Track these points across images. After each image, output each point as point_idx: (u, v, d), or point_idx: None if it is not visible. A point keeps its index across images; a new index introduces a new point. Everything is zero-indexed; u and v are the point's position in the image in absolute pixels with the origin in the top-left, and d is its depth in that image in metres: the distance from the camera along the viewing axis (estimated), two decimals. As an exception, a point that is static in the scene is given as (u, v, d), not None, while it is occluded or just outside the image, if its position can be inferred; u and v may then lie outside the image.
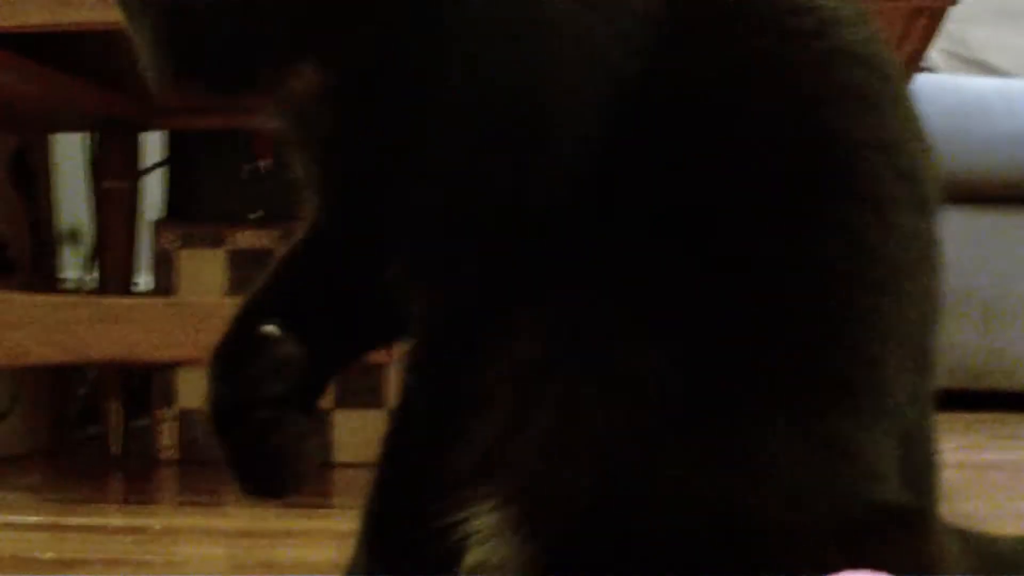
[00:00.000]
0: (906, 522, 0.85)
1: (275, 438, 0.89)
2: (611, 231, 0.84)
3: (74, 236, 2.71)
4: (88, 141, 2.39)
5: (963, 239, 3.34)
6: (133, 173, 2.25)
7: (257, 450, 0.89)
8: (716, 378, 0.82)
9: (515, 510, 0.85)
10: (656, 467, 0.82)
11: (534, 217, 0.84)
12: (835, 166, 0.85)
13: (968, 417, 3.03)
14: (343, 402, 2.10)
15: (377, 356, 0.98)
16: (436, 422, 0.87)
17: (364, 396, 2.09)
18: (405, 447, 0.88)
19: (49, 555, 1.28)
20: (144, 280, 2.46)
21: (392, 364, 1.20)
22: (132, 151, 2.26)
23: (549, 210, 0.84)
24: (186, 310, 1.72)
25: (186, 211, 2.31)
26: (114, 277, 2.20)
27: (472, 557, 0.88)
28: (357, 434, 2.09)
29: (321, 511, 1.53)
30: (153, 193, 2.44)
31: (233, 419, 0.89)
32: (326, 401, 2.07)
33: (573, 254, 0.84)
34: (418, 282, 0.87)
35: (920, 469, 0.89)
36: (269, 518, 1.56)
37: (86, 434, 2.45)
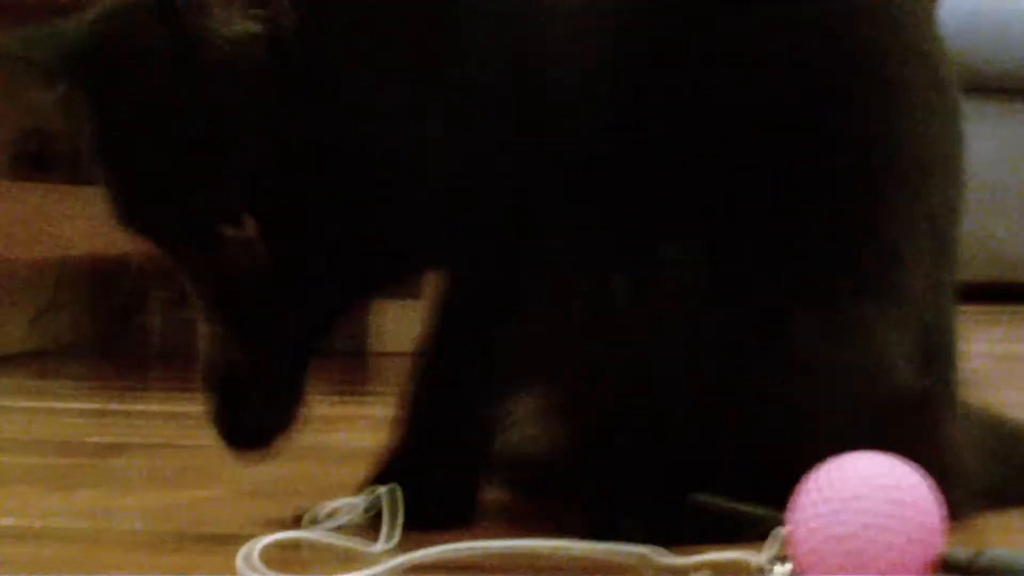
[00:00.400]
0: (921, 406, 0.88)
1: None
2: (642, 127, 0.85)
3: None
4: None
5: (1001, 135, 3.33)
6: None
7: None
8: (743, 268, 0.85)
9: (553, 394, 0.88)
10: (687, 353, 0.85)
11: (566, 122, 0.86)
12: (861, 69, 0.88)
13: (1006, 309, 3.03)
14: (382, 293, 2.12)
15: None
16: (478, 316, 0.89)
17: (402, 287, 2.11)
18: (448, 340, 0.90)
19: (94, 439, 1.31)
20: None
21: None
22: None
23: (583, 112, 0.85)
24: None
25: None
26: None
27: (511, 438, 0.90)
28: (395, 324, 2.11)
29: (360, 397, 1.54)
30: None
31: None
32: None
33: (604, 153, 0.85)
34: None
35: (937, 355, 0.91)
36: (316, 405, 1.58)
37: (130, 326, 2.48)
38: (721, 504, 0.78)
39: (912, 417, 0.88)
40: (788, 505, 0.69)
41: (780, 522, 0.69)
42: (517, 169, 0.85)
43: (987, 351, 2.23)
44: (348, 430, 1.37)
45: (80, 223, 1.74)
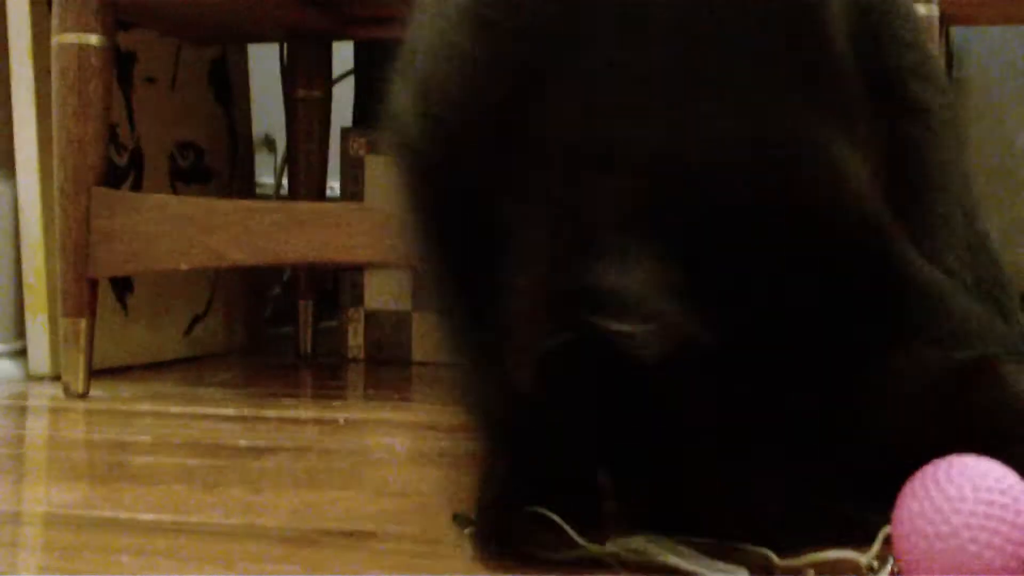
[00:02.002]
0: (991, 371, 0.87)
1: None
2: None
3: (269, 144, 2.78)
4: (283, 51, 2.45)
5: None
6: (324, 82, 2.30)
7: None
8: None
9: None
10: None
11: None
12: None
13: None
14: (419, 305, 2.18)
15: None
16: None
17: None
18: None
19: (243, 442, 1.35)
20: (335, 186, 2.53)
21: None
22: (323, 60, 2.31)
23: None
24: (373, 214, 1.77)
25: (374, 118, 2.36)
26: (306, 183, 2.26)
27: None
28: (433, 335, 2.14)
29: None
30: (343, 102, 2.50)
31: None
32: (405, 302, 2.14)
33: None
34: None
35: (995, 286, 0.95)
36: (447, 414, 1.62)
37: (279, 333, 2.54)
38: (829, 505, 0.78)
39: (987, 381, 0.86)
40: (893, 506, 0.71)
41: (885, 522, 0.72)
42: None
43: None
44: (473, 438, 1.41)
45: (232, 233, 1.79)
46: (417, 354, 2.19)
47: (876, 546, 0.72)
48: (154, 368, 2.07)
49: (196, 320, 2.24)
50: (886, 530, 0.72)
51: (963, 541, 0.67)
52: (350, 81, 2.50)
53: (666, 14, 0.82)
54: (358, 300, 2.22)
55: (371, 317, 2.21)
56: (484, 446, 0.92)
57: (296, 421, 1.54)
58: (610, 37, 0.82)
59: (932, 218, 0.94)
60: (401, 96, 0.95)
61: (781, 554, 0.76)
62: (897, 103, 0.95)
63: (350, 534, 0.93)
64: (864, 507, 0.76)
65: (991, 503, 0.68)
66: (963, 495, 0.68)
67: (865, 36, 0.92)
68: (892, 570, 0.72)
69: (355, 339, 2.22)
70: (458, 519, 0.91)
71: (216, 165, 2.32)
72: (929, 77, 0.98)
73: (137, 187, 2.07)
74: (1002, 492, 0.68)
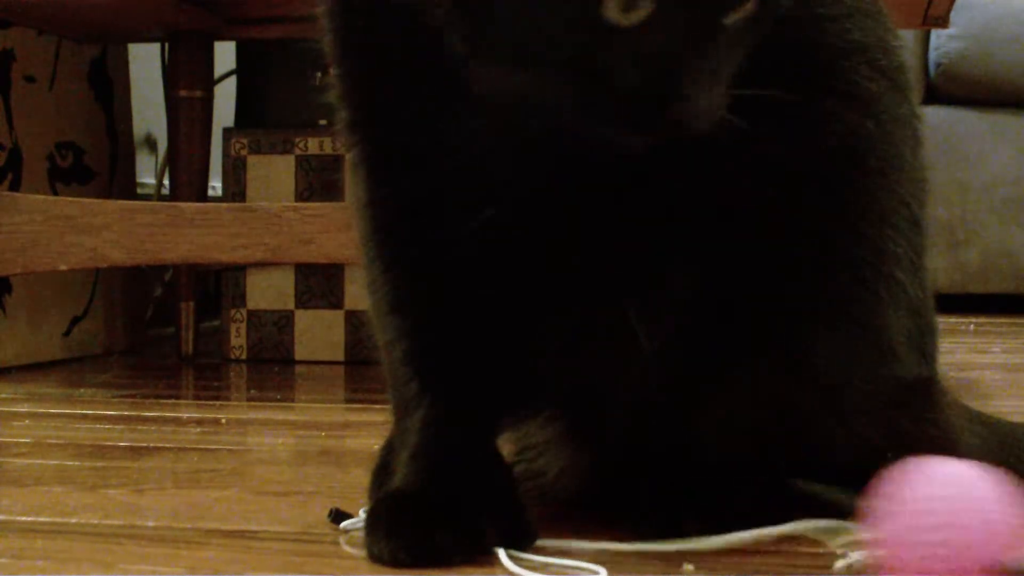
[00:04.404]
0: (924, 389, 0.92)
1: None
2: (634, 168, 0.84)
3: (150, 144, 2.77)
4: (164, 51, 2.44)
5: (1018, 148, 3.34)
6: (206, 82, 2.29)
7: None
8: (743, 284, 0.87)
9: (570, 422, 0.92)
10: (700, 372, 0.87)
11: None
12: (821, 68, 0.89)
13: (1020, 321, 3.05)
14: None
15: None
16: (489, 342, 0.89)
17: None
18: (459, 366, 0.90)
19: (124, 443, 1.34)
20: (216, 186, 2.52)
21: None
22: (205, 60, 2.30)
23: None
24: (256, 215, 1.77)
25: (256, 118, 2.36)
26: (188, 183, 2.25)
27: (528, 467, 0.94)
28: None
29: (379, 406, 1.59)
30: (225, 101, 2.50)
31: None
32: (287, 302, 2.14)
33: (611, 195, 0.85)
34: None
35: (926, 338, 0.94)
36: (331, 412, 1.63)
37: (160, 334, 2.53)
38: (805, 489, 0.81)
39: (919, 401, 0.91)
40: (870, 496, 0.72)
41: (855, 511, 0.73)
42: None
43: (1003, 362, 2.26)
44: (357, 436, 1.42)
45: (112, 234, 1.78)
46: (299, 354, 2.20)
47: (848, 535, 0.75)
48: (33, 369, 2.05)
49: (76, 321, 2.22)
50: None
51: (936, 540, 0.68)
52: (232, 81, 2.49)
53: None
54: (240, 300, 2.21)
55: (253, 317, 2.21)
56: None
57: (177, 421, 1.53)
58: None
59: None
60: None
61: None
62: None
63: (232, 534, 0.93)
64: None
65: (965, 502, 0.69)
66: (943, 494, 0.69)
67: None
68: (863, 558, 0.74)
69: (237, 339, 2.21)
70: (332, 515, 0.92)
71: (96, 165, 2.30)
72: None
73: (16, 187, 2.05)
74: (978, 495, 0.70)
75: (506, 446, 0.95)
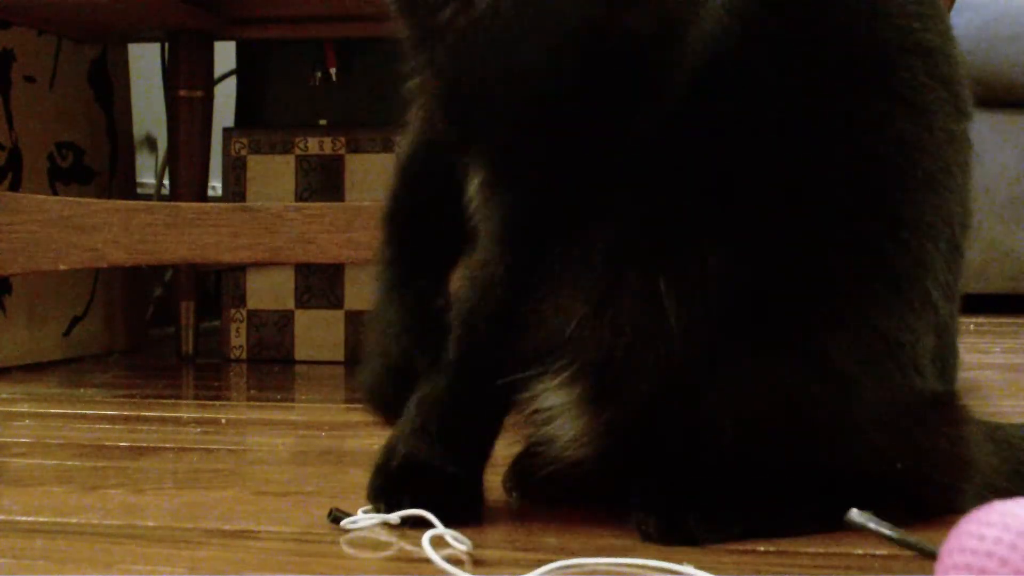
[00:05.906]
0: (943, 405, 0.92)
1: None
2: (685, 141, 0.87)
3: (150, 143, 2.76)
4: (164, 51, 2.44)
5: (1020, 147, 3.33)
6: (206, 82, 2.29)
7: None
8: (778, 276, 0.87)
9: (587, 387, 0.91)
10: (721, 357, 0.87)
11: (626, 129, 0.87)
12: (876, 70, 0.89)
13: (1020, 321, 3.05)
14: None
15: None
16: (508, 305, 0.91)
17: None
18: (477, 333, 0.92)
19: (124, 443, 1.34)
20: (216, 186, 2.52)
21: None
22: (205, 60, 2.30)
23: (639, 124, 0.87)
24: (256, 215, 1.77)
25: (256, 118, 2.36)
26: (188, 183, 2.25)
27: (542, 432, 0.93)
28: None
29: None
30: (225, 101, 2.50)
31: None
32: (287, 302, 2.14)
33: (655, 161, 0.87)
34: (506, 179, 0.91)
35: (949, 358, 0.94)
36: (331, 412, 1.63)
37: (160, 334, 2.52)
38: (875, 528, 0.78)
39: (937, 416, 0.91)
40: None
41: (932, 554, 0.71)
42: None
43: (1003, 362, 2.26)
44: (357, 436, 1.42)
45: (112, 234, 1.78)
46: (299, 354, 2.20)
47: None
48: (33, 369, 2.05)
49: (76, 321, 2.22)
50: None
51: None
52: (232, 81, 2.49)
53: None
54: (240, 300, 2.21)
55: (253, 317, 2.21)
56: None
57: (177, 421, 1.53)
58: None
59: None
60: None
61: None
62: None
63: (232, 534, 0.93)
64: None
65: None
66: (1012, 541, 0.68)
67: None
68: None
69: (237, 339, 2.21)
70: (332, 515, 0.92)
71: (96, 165, 2.30)
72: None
73: (16, 187, 2.05)
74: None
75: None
